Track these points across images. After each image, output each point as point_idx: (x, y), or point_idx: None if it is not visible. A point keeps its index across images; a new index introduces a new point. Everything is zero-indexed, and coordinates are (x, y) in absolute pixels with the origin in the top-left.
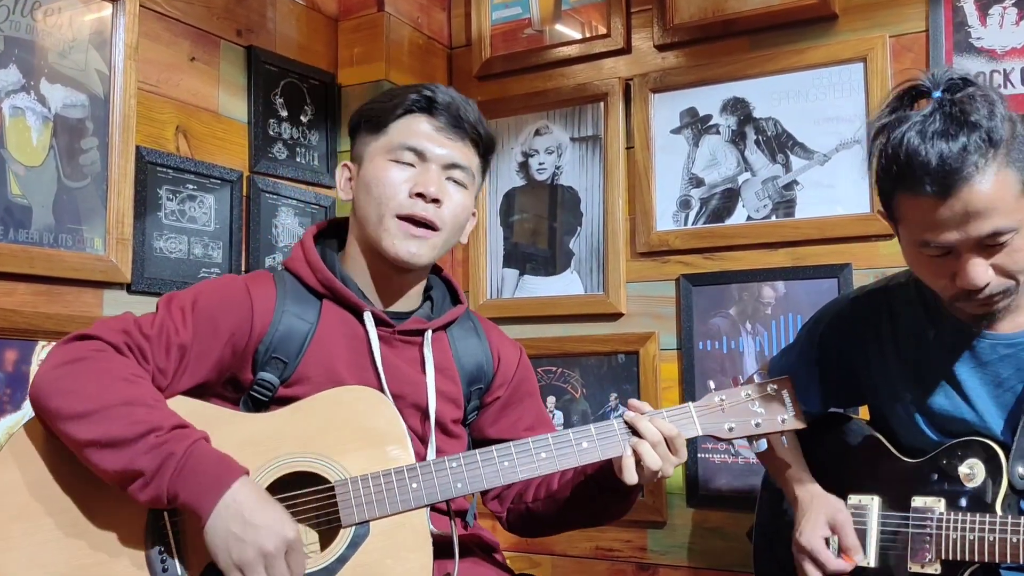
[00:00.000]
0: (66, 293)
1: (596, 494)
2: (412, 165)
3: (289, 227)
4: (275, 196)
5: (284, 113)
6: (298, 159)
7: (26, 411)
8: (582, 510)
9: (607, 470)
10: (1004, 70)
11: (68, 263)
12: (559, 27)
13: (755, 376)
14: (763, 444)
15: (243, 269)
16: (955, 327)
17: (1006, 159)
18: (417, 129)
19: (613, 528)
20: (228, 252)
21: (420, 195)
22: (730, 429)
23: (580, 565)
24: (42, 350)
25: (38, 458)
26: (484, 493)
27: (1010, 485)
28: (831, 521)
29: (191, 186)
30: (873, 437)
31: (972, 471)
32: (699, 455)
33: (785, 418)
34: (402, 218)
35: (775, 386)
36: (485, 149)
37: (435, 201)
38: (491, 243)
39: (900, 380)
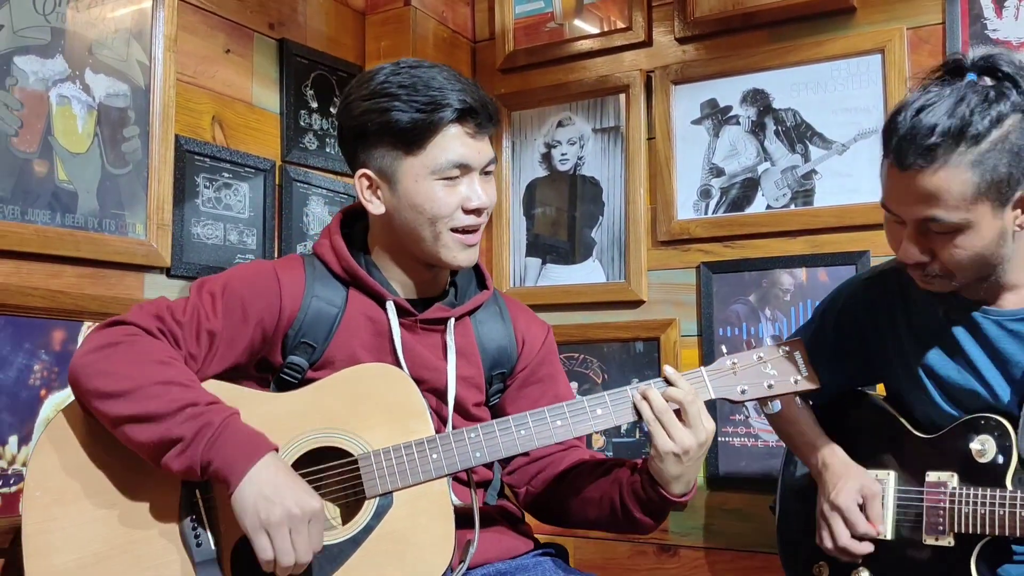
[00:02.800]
0: (110, 276)
1: (624, 496)
2: (456, 177)
3: (319, 215)
4: (306, 185)
5: (314, 104)
6: (327, 149)
7: None
8: (601, 508)
9: (648, 483)
10: (1020, 62)
11: (112, 247)
12: (580, 21)
13: (767, 340)
14: (777, 405)
15: (276, 255)
16: (962, 304)
17: (972, 160)
18: (457, 142)
19: None
20: (262, 239)
21: (474, 210)
22: (743, 391)
23: (602, 546)
24: (87, 330)
25: (76, 443)
26: (504, 468)
27: (1020, 460)
28: (863, 490)
29: (227, 174)
30: (888, 413)
31: (984, 447)
32: (719, 439)
33: (798, 378)
34: (457, 230)
35: (787, 348)
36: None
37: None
38: (513, 233)
39: (914, 356)
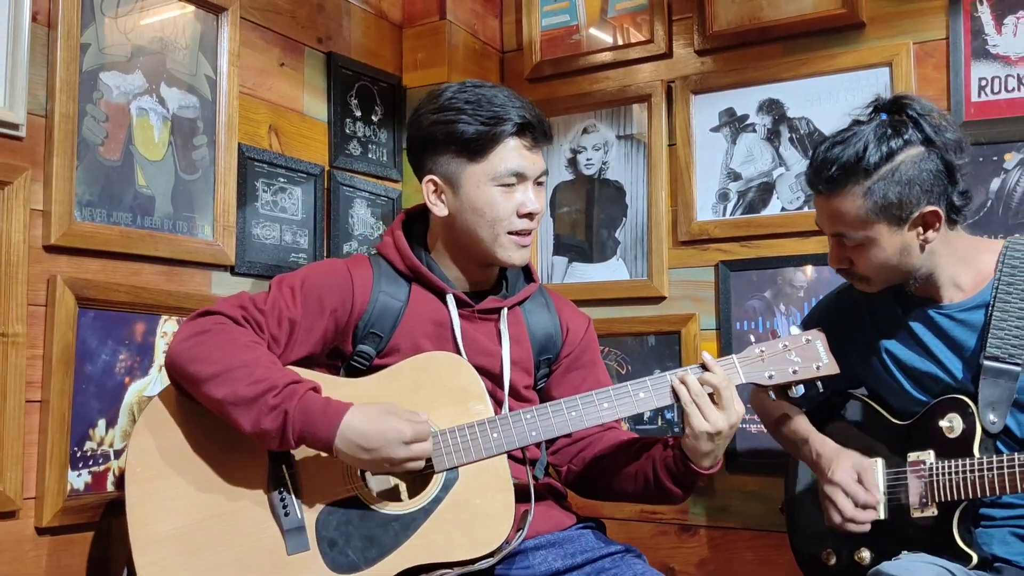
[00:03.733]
0: (182, 273)
1: (656, 469)
2: (513, 184)
3: (363, 217)
4: (351, 189)
5: (358, 113)
6: (370, 155)
7: (152, 377)
8: (637, 482)
9: (680, 461)
10: (1018, 75)
11: (184, 247)
12: (603, 33)
13: (791, 329)
14: (800, 390)
15: (325, 254)
16: (916, 303)
17: (863, 190)
18: (515, 153)
19: None
20: (313, 239)
21: (528, 215)
22: (770, 376)
23: (626, 527)
24: (164, 323)
25: (171, 424)
26: (548, 448)
27: (984, 430)
28: (856, 466)
29: (282, 179)
30: (870, 407)
31: (952, 424)
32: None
33: (820, 365)
34: (512, 233)
35: (809, 337)
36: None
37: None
38: (541, 232)
39: (883, 351)
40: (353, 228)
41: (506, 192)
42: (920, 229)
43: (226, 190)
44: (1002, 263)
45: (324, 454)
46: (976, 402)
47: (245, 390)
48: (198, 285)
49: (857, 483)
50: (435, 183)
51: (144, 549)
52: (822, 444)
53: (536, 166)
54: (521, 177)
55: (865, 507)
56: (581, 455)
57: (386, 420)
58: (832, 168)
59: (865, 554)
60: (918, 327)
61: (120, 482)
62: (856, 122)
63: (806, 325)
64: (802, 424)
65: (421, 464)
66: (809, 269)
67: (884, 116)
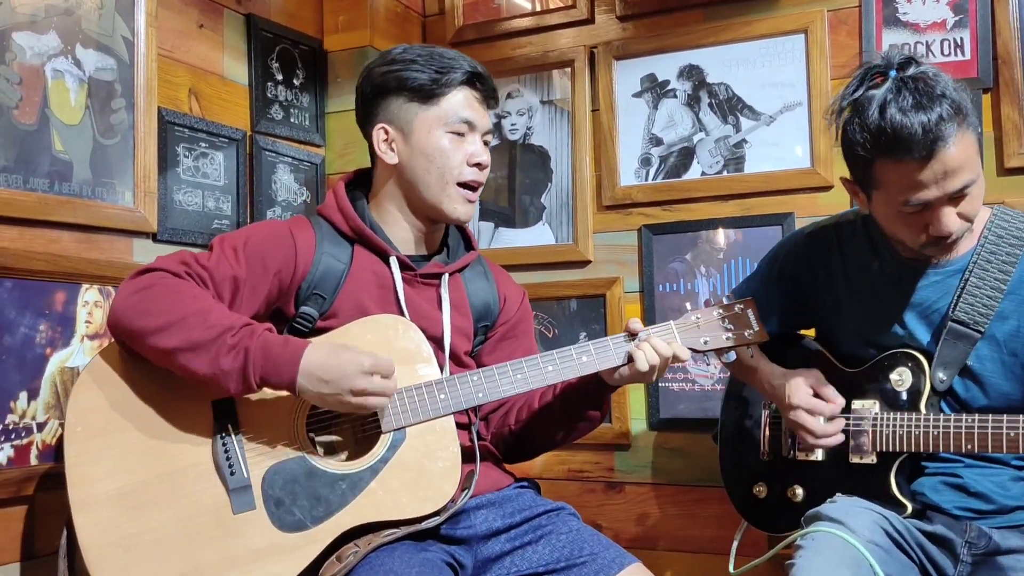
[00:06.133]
0: (102, 241)
1: (577, 402)
2: (463, 135)
3: (286, 183)
4: (274, 154)
5: (279, 77)
6: (292, 120)
7: (74, 347)
8: (565, 420)
9: (592, 378)
10: (926, 42)
11: (104, 213)
12: None
13: (724, 298)
14: (732, 356)
15: (248, 220)
16: (897, 260)
17: (967, 124)
18: (467, 102)
19: (582, 452)
20: (236, 205)
21: (477, 164)
22: (705, 342)
23: (555, 486)
24: (85, 292)
25: (116, 380)
26: (480, 415)
27: (932, 388)
28: (809, 382)
29: (203, 144)
30: (820, 352)
31: (901, 377)
32: (660, 384)
33: (750, 332)
34: (461, 185)
35: (741, 306)
36: None
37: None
38: None
39: (846, 301)
40: (276, 194)
41: (456, 140)
42: None
43: (146, 155)
44: (988, 230)
45: (272, 408)
46: (930, 360)
47: (200, 334)
48: (119, 253)
49: (817, 399)
50: (386, 130)
51: (84, 509)
52: (771, 373)
53: (485, 120)
54: (471, 126)
55: (833, 418)
56: (506, 417)
57: (345, 351)
58: (936, 122)
59: (798, 491)
60: (890, 283)
61: (44, 455)
62: (868, 96)
63: (769, 265)
64: (757, 358)
65: (383, 401)
66: (729, 232)
67: (893, 73)
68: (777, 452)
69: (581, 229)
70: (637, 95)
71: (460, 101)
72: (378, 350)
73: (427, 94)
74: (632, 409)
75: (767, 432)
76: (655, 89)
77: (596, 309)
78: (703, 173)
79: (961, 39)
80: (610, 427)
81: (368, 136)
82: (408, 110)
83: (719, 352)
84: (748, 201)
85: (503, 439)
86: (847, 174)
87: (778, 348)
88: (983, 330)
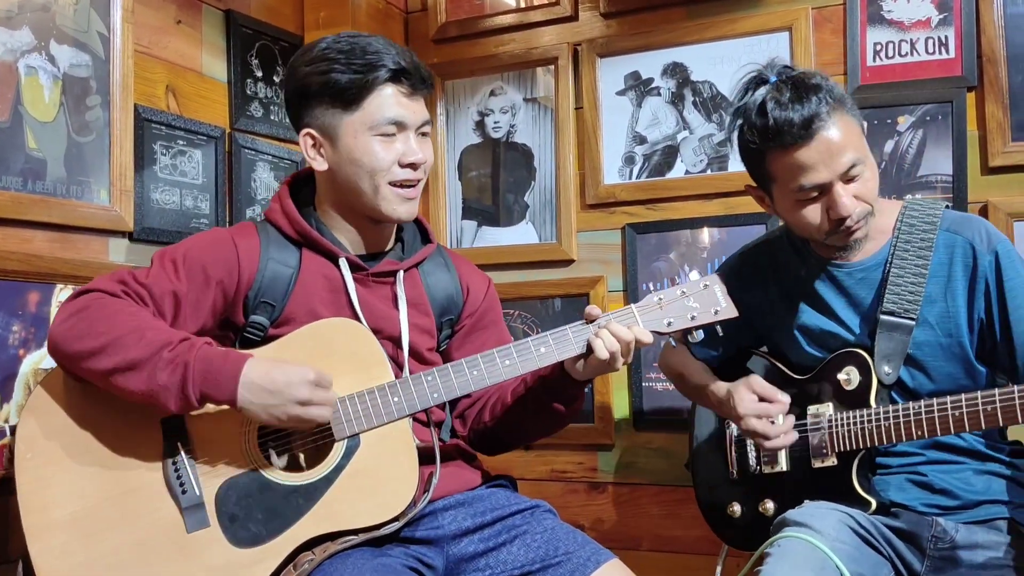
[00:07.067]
0: (77, 240)
1: (545, 396)
2: (392, 135)
3: (266, 181)
4: (253, 152)
5: (259, 73)
6: (272, 117)
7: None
8: (536, 415)
9: (556, 372)
10: (911, 40)
11: (79, 212)
12: None
13: (689, 276)
14: (700, 335)
15: (228, 221)
16: (819, 263)
17: (844, 109)
18: (392, 101)
19: (566, 452)
20: (215, 204)
21: (410, 164)
22: (668, 324)
23: (537, 487)
24: (60, 292)
25: (59, 408)
26: (453, 411)
27: (879, 382)
28: (750, 387)
29: (181, 142)
30: (772, 365)
31: (849, 376)
32: (644, 383)
33: (718, 309)
34: (395, 184)
35: (707, 283)
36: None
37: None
38: (449, 197)
39: (785, 310)
40: (256, 192)
41: (385, 141)
42: None
43: (122, 153)
44: (901, 221)
45: (221, 423)
46: (872, 355)
47: (136, 353)
48: (95, 252)
49: (762, 403)
50: (312, 136)
51: (38, 537)
52: (716, 387)
53: (417, 115)
54: (401, 126)
55: (784, 416)
56: (481, 413)
57: (288, 365)
58: (814, 107)
59: (769, 505)
60: (820, 285)
61: None
62: (753, 99)
63: None
64: (701, 373)
65: (327, 412)
66: (713, 231)
67: (774, 79)
68: (745, 468)
69: (565, 228)
70: (621, 93)
71: (385, 100)
72: (326, 355)
73: (350, 98)
74: (615, 409)
75: (733, 452)
76: (639, 87)
77: (580, 308)
78: (687, 172)
79: (945, 37)
80: (593, 427)
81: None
82: (332, 115)
83: (687, 333)
84: (732, 200)
85: (480, 434)
86: (752, 181)
87: (733, 366)
88: (915, 317)
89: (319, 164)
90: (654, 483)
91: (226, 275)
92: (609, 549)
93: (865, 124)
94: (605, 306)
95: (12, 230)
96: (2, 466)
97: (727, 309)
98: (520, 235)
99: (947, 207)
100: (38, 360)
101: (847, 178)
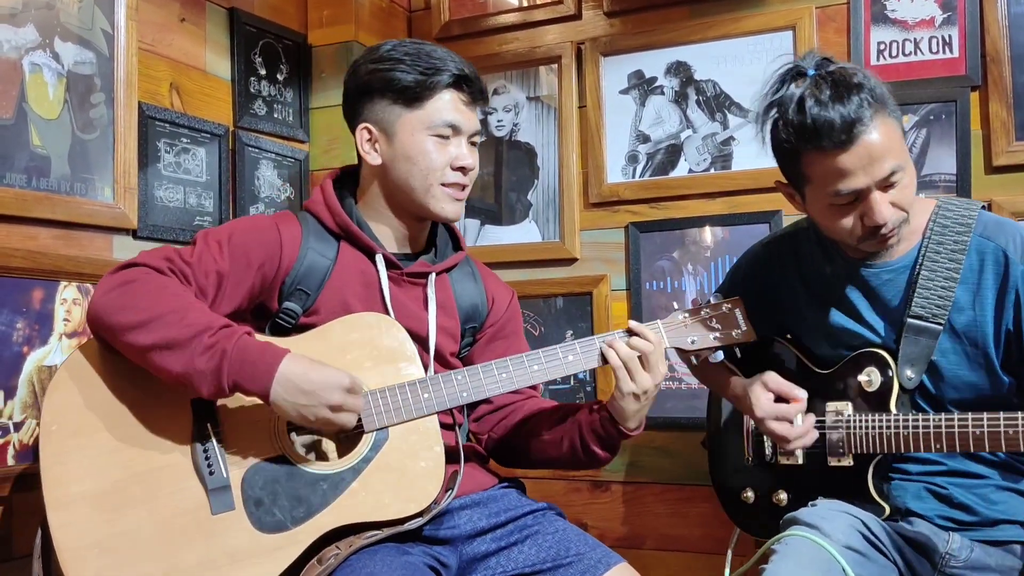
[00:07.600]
0: (81, 238)
1: (589, 440)
2: (447, 138)
3: (269, 179)
4: (257, 150)
5: (263, 72)
6: (275, 115)
7: (52, 346)
8: (571, 453)
9: (607, 420)
10: (914, 39)
11: (83, 210)
12: None
13: (711, 297)
14: (719, 355)
15: (231, 217)
16: (846, 262)
17: (887, 111)
18: (451, 105)
19: None
20: (218, 202)
21: (461, 168)
22: (692, 342)
23: (540, 485)
24: (63, 289)
25: (93, 377)
26: (471, 413)
27: (901, 387)
28: (768, 387)
29: (185, 140)
30: (793, 355)
31: (870, 378)
32: None
33: (738, 332)
34: (446, 186)
35: (729, 305)
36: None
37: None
38: None
39: (807, 307)
40: (259, 190)
41: (440, 143)
42: None
43: (126, 150)
44: (933, 222)
45: (252, 408)
46: (895, 358)
47: (177, 332)
48: (99, 250)
49: (779, 403)
50: (369, 131)
51: (59, 509)
52: (734, 384)
53: (471, 123)
54: (456, 130)
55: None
56: (503, 422)
57: (326, 367)
58: (855, 109)
59: (783, 495)
60: (846, 285)
61: (21, 455)
62: (789, 93)
63: (732, 276)
64: (720, 370)
65: (353, 419)
66: (716, 230)
67: (812, 72)
68: (761, 457)
69: (568, 226)
70: (624, 92)
71: (445, 104)
72: (360, 348)
73: (412, 96)
74: None
75: (750, 439)
76: (642, 86)
77: (583, 307)
78: (690, 170)
79: (949, 36)
80: None
81: (353, 133)
82: (392, 112)
83: (707, 352)
84: (735, 199)
85: (496, 442)
86: (782, 178)
87: (756, 353)
88: (943, 323)
89: (373, 158)
90: (658, 482)
91: (267, 260)
92: (613, 549)
93: (904, 122)
94: (608, 306)
95: (16, 227)
96: (5, 462)
97: (747, 332)
98: (523, 234)
99: (983, 207)
100: (42, 357)
101: (885, 184)
